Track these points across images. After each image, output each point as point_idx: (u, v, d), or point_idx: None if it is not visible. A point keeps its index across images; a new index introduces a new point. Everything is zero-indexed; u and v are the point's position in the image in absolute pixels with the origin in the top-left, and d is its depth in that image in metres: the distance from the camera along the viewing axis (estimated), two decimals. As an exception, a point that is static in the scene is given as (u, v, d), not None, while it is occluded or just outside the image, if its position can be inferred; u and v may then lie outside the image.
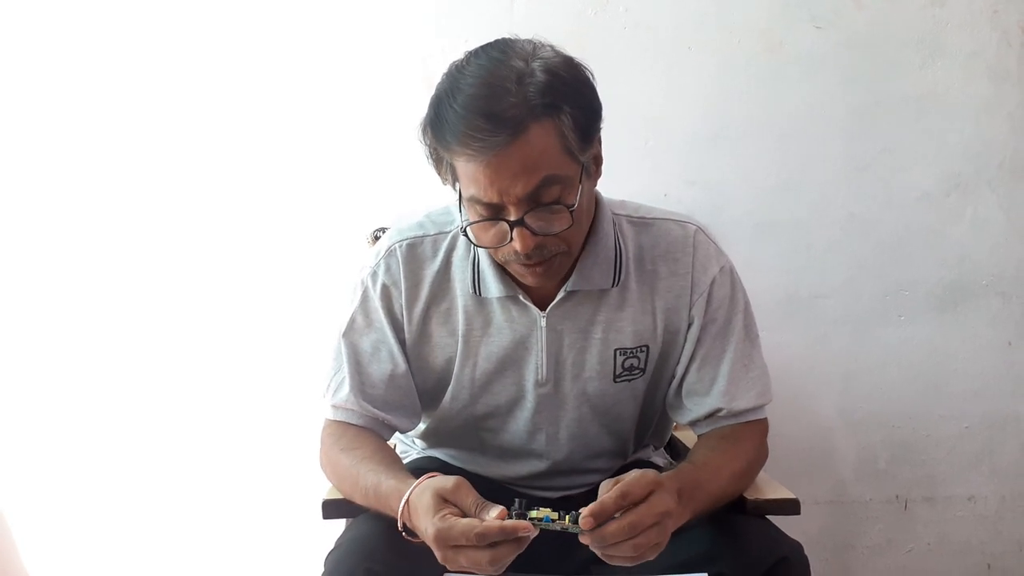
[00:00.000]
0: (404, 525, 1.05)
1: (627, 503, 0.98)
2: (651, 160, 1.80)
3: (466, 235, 1.14)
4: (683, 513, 1.05)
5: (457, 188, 1.14)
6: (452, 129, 1.06)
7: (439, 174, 1.16)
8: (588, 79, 1.12)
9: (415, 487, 1.04)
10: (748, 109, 1.81)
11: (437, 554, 0.98)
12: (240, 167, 1.81)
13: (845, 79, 1.81)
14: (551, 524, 0.97)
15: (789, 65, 1.80)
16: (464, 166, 1.08)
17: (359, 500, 1.16)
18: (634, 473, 1.01)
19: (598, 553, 1.00)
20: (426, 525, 0.99)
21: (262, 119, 1.79)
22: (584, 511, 0.97)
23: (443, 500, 0.99)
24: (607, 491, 0.99)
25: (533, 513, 0.97)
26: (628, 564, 1.00)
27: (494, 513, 0.97)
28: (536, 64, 1.07)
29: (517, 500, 0.98)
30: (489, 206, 1.09)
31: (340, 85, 1.79)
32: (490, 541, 0.95)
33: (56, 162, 1.80)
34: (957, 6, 1.80)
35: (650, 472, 1.02)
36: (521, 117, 1.04)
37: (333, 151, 1.81)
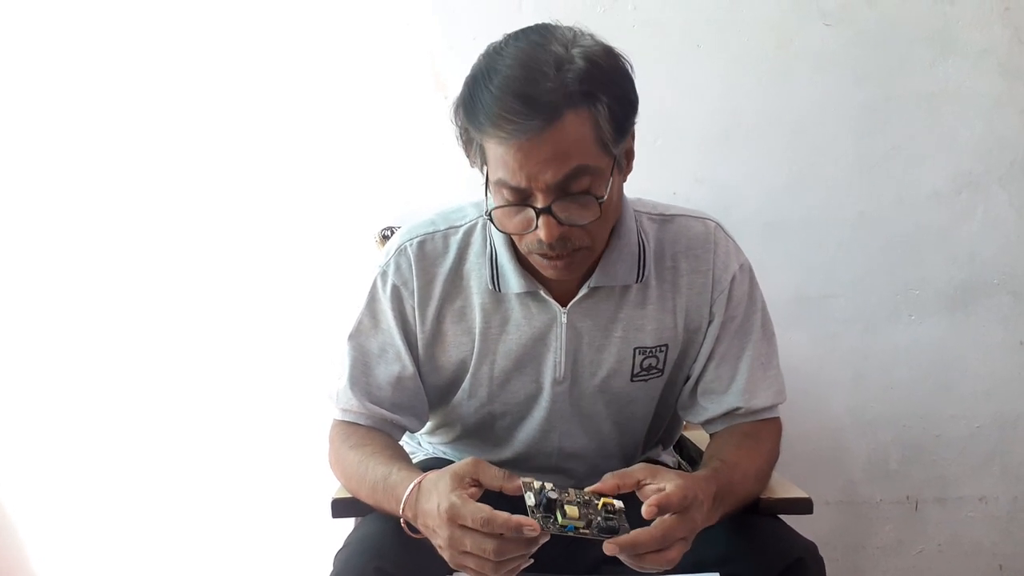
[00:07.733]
0: (406, 520, 1.03)
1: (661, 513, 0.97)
2: (660, 158, 1.80)
3: (491, 219, 1.12)
4: (711, 518, 1.04)
5: (485, 171, 1.11)
6: (486, 110, 1.03)
7: (467, 155, 1.14)
8: (627, 70, 1.10)
9: (430, 473, 1.03)
10: (758, 107, 1.80)
11: (443, 536, 0.96)
12: (248, 166, 1.81)
13: (855, 77, 1.80)
14: (574, 532, 0.95)
15: (799, 63, 1.79)
16: (495, 149, 1.05)
17: (365, 495, 1.14)
18: (673, 481, 0.99)
19: (625, 560, 0.98)
20: (439, 501, 0.97)
21: (270, 118, 1.79)
22: (611, 544, 0.95)
23: (462, 479, 0.98)
24: (610, 481, 1.00)
25: (561, 521, 0.94)
26: (654, 570, 0.99)
27: (519, 482, 0.97)
28: (576, 51, 1.04)
29: (542, 484, 0.96)
30: (517, 190, 1.06)
31: (347, 83, 1.78)
32: (496, 530, 0.93)
33: (66, 164, 1.80)
34: (968, 3, 1.78)
35: (688, 482, 1.00)
36: (557, 103, 1.01)
37: (341, 150, 1.80)
